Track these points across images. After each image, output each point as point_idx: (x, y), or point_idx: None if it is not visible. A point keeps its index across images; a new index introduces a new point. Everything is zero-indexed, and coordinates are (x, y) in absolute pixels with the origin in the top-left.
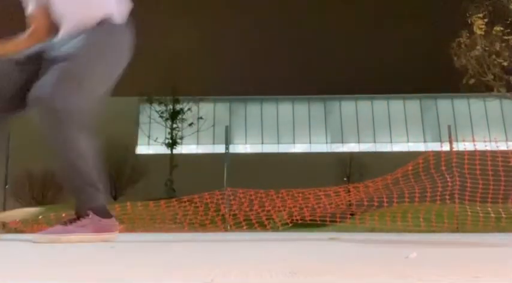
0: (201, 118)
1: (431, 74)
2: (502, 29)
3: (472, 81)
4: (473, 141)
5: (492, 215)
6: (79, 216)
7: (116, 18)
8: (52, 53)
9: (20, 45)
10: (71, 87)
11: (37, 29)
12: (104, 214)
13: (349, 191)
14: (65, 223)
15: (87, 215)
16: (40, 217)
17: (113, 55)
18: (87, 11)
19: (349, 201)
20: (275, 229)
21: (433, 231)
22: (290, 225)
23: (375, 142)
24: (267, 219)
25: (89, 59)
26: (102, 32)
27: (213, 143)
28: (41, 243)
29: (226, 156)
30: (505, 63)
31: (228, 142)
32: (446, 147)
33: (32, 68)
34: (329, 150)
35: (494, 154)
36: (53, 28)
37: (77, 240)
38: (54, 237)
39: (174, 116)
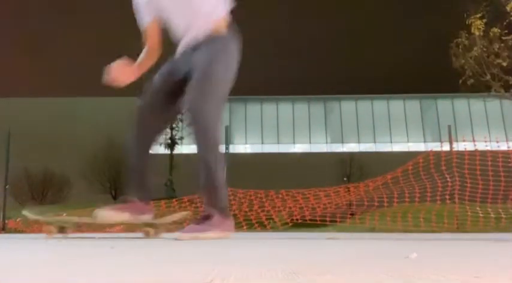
0: None
1: (431, 74)
2: (499, 30)
3: (470, 81)
4: (474, 141)
5: (492, 215)
6: (209, 215)
7: (225, 23)
8: (182, 67)
9: (143, 67)
10: (214, 104)
11: (153, 47)
12: (227, 214)
13: (349, 190)
14: (197, 223)
15: (214, 215)
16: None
17: (233, 62)
18: (202, 20)
19: (349, 200)
20: (275, 229)
21: (433, 231)
22: (290, 224)
23: (375, 142)
24: (267, 219)
25: (221, 73)
26: (222, 41)
27: None
28: (184, 240)
29: (226, 156)
30: (504, 64)
31: (227, 142)
32: (446, 147)
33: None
34: (329, 150)
35: (494, 154)
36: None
37: (210, 237)
38: (193, 235)
39: None
